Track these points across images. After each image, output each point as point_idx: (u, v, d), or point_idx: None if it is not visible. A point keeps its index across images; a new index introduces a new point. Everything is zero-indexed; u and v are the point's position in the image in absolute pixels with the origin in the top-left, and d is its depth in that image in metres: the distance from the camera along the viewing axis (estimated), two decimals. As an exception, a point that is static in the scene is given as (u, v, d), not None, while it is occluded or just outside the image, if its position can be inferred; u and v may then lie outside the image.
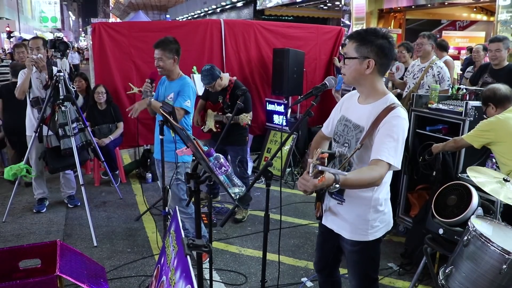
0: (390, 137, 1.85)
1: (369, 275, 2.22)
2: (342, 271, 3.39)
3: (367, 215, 2.05)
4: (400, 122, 1.89)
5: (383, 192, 2.06)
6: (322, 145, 2.33)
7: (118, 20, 39.97)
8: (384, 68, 1.99)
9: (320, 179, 1.59)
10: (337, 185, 1.68)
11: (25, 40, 7.10)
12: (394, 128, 1.87)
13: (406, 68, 5.40)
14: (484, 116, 3.15)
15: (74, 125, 4.09)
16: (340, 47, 6.53)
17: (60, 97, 3.96)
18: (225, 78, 4.26)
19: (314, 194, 1.93)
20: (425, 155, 3.43)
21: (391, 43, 1.95)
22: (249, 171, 5.49)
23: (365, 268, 2.20)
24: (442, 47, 5.72)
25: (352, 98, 2.14)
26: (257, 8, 19.93)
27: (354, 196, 2.03)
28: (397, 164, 1.86)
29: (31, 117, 4.29)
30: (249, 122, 4.17)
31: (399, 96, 4.80)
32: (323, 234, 2.33)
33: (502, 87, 3.00)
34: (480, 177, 2.51)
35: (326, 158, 1.66)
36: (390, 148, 1.83)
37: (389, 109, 1.91)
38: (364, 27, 15.18)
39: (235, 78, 4.42)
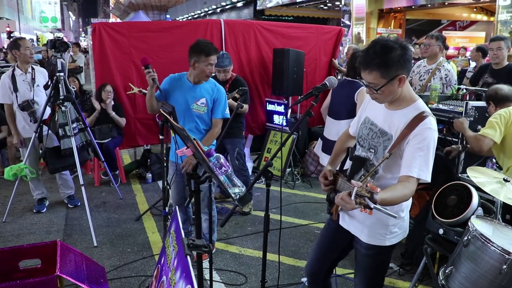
0: (421, 151, 1.81)
1: (377, 281, 2.21)
2: (343, 271, 3.40)
3: (388, 220, 2.01)
4: (430, 134, 1.84)
5: None
6: (347, 144, 2.28)
7: (118, 20, 39.98)
8: (409, 72, 1.93)
9: (362, 209, 1.54)
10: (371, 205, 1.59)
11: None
12: (425, 142, 1.82)
13: None
14: (486, 114, 3.16)
15: (74, 125, 4.09)
16: (340, 47, 6.53)
17: (60, 97, 3.96)
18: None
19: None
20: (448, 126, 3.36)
21: (405, 45, 1.87)
22: (249, 171, 5.50)
23: (374, 273, 2.18)
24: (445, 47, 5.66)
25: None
26: (257, 8, 19.96)
27: None
28: (428, 178, 1.84)
29: (20, 119, 4.28)
30: (241, 93, 4.17)
31: None
32: (333, 233, 2.27)
33: (505, 88, 3.06)
34: (480, 177, 2.51)
35: (374, 191, 1.55)
36: (421, 163, 1.81)
37: (420, 118, 1.85)
38: (364, 28, 15.24)
39: (235, 74, 4.51)
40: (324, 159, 3.97)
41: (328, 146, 3.80)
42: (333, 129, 3.76)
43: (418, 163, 1.80)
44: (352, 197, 1.55)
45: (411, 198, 2.05)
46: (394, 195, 1.74)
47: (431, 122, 1.86)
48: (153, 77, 3.24)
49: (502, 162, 3.02)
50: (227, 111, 3.37)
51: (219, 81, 4.31)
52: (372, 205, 1.51)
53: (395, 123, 1.92)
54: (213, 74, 3.32)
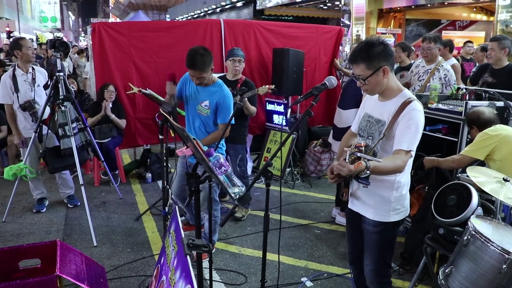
0: (409, 128, 2.09)
1: (385, 259, 2.36)
2: (342, 270, 3.41)
3: (390, 197, 2.24)
4: (416, 114, 2.11)
5: (404, 176, 2.25)
6: (351, 141, 2.42)
7: (118, 20, 39.92)
8: (393, 65, 2.21)
9: (356, 165, 1.83)
10: (368, 171, 1.89)
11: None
12: (412, 120, 2.10)
13: (401, 67, 5.34)
14: (468, 137, 3.23)
15: (74, 125, 4.09)
16: (340, 47, 6.52)
17: (60, 97, 3.96)
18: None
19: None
20: (416, 168, 3.35)
21: (385, 42, 2.16)
22: (249, 171, 5.49)
23: (381, 251, 2.33)
24: (451, 48, 5.60)
25: (373, 97, 2.33)
26: (257, 8, 19.94)
27: (378, 179, 2.21)
28: (415, 149, 2.11)
29: (21, 119, 4.26)
30: (273, 87, 4.38)
31: None
32: (351, 221, 2.48)
33: (486, 111, 3.06)
34: (480, 176, 2.52)
35: (364, 147, 1.91)
36: (410, 138, 2.08)
37: (406, 103, 2.13)
38: (364, 28, 15.25)
39: (245, 76, 4.50)
40: (334, 145, 4.45)
41: (337, 134, 4.30)
42: (342, 117, 4.22)
43: (407, 138, 2.08)
44: (347, 159, 1.86)
45: (409, 178, 2.31)
46: (385, 163, 2.01)
47: (416, 104, 2.14)
48: (171, 92, 3.33)
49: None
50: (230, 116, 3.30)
51: (229, 81, 4.31)
52: (359, 154, 1.85)
53: (387, 110, 2.20)
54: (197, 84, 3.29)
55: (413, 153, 2.12)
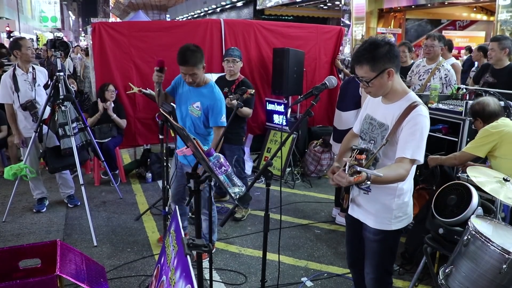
0: (413, 135, 1.97)
1: (386, 267, 2.31)
2: (342, 270, 3.41)
3: (392, 205, 2.15)
4: (422, 120, 2.00)
5: (407, 183, 2.16)
6: (352, 142, 2.38)
7: (118, 19, 39.91)
8: (398, 67, 2.09)
9: (356, 178, 1.74)
10: (369, 182, 1.80)
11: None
12: (417, 126, 1.98)
13: (401, 67, 5.32)
14: (473, 127, 3.21)
15: (74, 124, 4.09)
16: (341, 47, 6.52)
17: (60, 97, 3.96)
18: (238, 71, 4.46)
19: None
20: (422, 167, 3.34)
21: (391, 43, 2.05)
22: (249, 171, 5.50)
23: (382, 259, 2.28)
24: (450, 47, 5.59)
25: (376, 98, 2.22)
26: (257, 7, 19.93)
27: (380, 186, 2.10)
28: (421, 158, 2.00)
29: (21, 118, 4.26)
30: (252, 93, 4.19)
31: None
32: (351, 226, 2.43)
33: (491, 103, 3.01)
34: (480, 177, 2.52)
35: (364, 159, 1.83)
36: (414, 145, 1.97)
37: (412, 107, 2.02)
38: (364, 28, 15.24)
39: (243, 76, 4.51)
40: (335, 147, 4.38)
41: (337, 136, 4.23)
42: (342, 119, 4.16)
43: (411, 145, 1.97)
44: (346, 171, 1.77)
45: (412, 184, 2.23)
46: (387, 174, 1.89)
47: (422, 109, 2.02)
48: (158, 81, 3.26)
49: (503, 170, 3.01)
50: (223, 119, 3.25)
51: (227, 80, 4.32)
52: (358, 168, 1.75)
53: (391, 114, 2.09)
54: (190, 84, 3.24)
55: (419, 162, 2.00)
